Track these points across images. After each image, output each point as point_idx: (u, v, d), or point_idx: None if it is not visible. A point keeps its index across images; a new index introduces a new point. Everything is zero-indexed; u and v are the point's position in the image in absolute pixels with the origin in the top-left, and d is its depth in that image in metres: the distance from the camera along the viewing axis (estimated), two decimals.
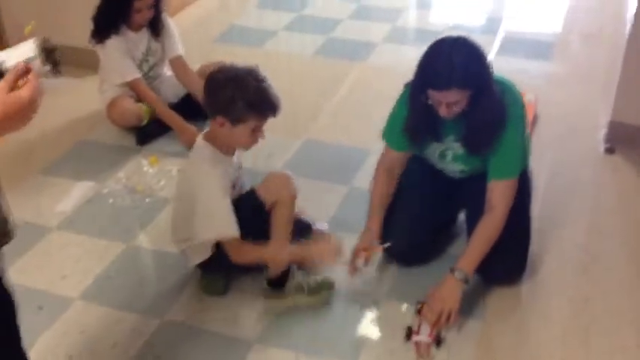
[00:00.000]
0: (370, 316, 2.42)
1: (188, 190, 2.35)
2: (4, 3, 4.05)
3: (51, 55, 1.52)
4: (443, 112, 2.24)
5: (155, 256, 2.76)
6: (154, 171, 3.19)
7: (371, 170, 2.64)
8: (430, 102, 2.26)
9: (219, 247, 2.37)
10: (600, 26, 4.69)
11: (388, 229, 2.53)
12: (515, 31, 4.71)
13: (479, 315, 2.42)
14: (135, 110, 3.33)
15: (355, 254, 2.43)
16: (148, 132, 3.41)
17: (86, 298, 2.52)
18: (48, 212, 2.96)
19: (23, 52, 1.57)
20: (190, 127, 3.32)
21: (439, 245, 2.69)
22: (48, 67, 1.49)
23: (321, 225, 2.73)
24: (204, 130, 2.42)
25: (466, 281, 2.31)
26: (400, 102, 2.48)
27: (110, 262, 2.68)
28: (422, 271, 2.61)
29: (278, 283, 2.42)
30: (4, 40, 4.05)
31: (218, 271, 2.50)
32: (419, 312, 2.34)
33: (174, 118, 3.36)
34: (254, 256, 2.37)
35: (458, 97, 2.20)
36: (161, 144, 3.41)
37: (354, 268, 2.43)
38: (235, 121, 2.22)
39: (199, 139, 2.39)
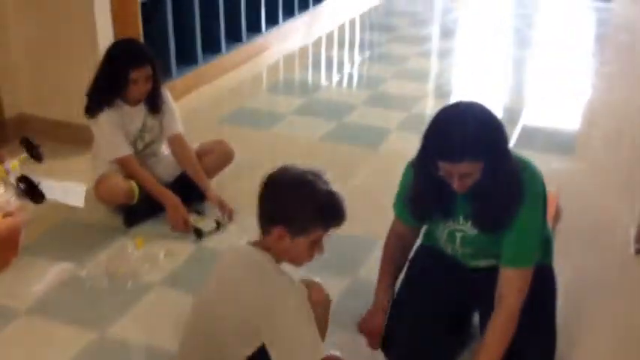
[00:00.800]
0: None
1: (234, 304, 1.88)
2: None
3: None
4: (455, 185, 2.01)
5: (128, 349, 2.46)
6: (139, 254, 2.93)
7: (379, 262, 2.38)
8: (440, 174, 2.02)
9: None
10: (623, 121, 4.50)
11: (391, 330, 2.24)
12: (535, 124, 4.53)
13: None
14: (124, 187, 3.10)
15: (368, 335, 2.19)
16: (136, 212, 3.17)
17: None
18: (19, 294, 2.69)
19: None
20: (182, 208, 3.12)
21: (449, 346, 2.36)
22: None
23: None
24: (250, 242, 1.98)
25: None
26: (407, 173, 2.27)
27: (75, 354, 2.39)
28: None
29: None
30: (6, 128, 3.92)
31: None
32: None
33: (166, 194, 3.15)
34: None
35: (471, 169, 1.97)
36: (150, 226, 3.16)
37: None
38: (298, 232, 1.86)
39: (245, 246, 1.95)
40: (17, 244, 1.25)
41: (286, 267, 1.95)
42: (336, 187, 1.91)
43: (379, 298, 2.30)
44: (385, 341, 2.26)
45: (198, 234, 3.07)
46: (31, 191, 1.41)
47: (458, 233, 2.23)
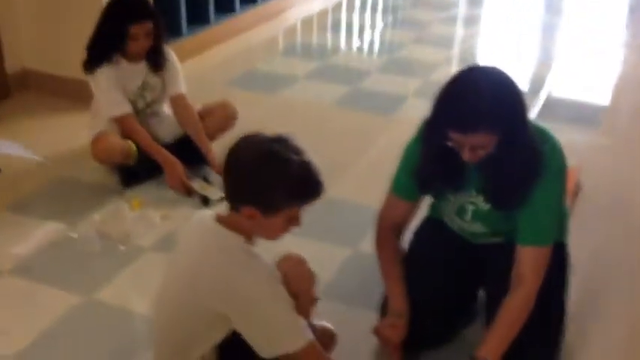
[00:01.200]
0: None
1: (203, 291, 1.70)
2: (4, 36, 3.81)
3: None
4: (466, 156, 1.84)
5: (114, 314, 2.34)
6: (134, 216, 2.81)
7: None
8: (450, 144, 1.85)
9: None
10: None
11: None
12: (560, 95, 4.34)
13: None
14: (122, 147, 2.98)
15: (389, 346, 2.02)
16: (135, 173, 3.05)
17: (21, 359, 2.12)
18: (3, 253, 2.58)
19: None
20: (179, 166, 2.99)
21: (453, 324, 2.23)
22: None
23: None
24: (213, 212, 1.79)
25: None
26: (415, 142, 2.08)
27: (60, 317, 2.29)
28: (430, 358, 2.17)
29: None
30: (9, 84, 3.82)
31: None
32: None
33: (163, 153, 3.02)
34: None
35: (485, 140, 1.80)
36: (148, 188, 3.04)
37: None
38: (270, 211, 1.66)
39: (209, 221, 1.75)
40: None
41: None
42: (309, 154, 1.69)
43: (397, 307, 2.08)
44: None
45: (205, 202, 2.94)
46: None
47: (469, 206, 2.07)
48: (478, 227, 2.11)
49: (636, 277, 2.58)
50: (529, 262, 1.94)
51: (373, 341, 2.23)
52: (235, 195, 1.69)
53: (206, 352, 1.78)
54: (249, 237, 1.74)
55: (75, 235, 2.69)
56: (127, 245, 2.66)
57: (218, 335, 1.75)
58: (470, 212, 2.08)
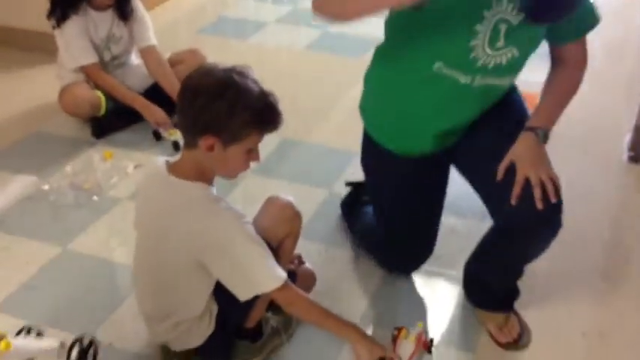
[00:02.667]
0: (338, 345, 1.98)
1: (175, 247, 1.69)
2: None
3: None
4: None
5: (91, 263, 2.34)
6: (107, 167, 2.79)
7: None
8: None
9: (221, 316, 1.82)
10: (629, 31, 4.26)
11: (379, 248, 2.18)
12: None
13: (469, 346, 2.00)
14: (90, 97, 2.94)
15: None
16: (106, 123, 3.01)
17: (2, 311, 2.11)
18: None
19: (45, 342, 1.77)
20: (153, 105, 2.99)
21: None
22: None
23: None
24: (163, 161, 1.75)
25: (546, 140, 1.83)
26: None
27: (39, 269, 2.28)
28: (397, 293, 2.21)
29: (254, 333, 1.93)
30: None
31: (218, 352, 1.89)
32: (394, 340, 1.91)
33: (135, 97, 3.00)
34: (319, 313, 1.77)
35: None
36: (120, 138, 3.01)
37: None
38: (230, 140, 1.62)
39: (163, 174, 1.70)
40: None
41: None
42: (266, 86, 1.66)
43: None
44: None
45: (176, 146, 2.92)
46: None
47: (502, 25, 1.73)
48: (509, 55, 1.79)
49: (611, 205, 2.62)
50: (579, 50, 1.88)
51: (352, 279, 2.26)
52: (194, 126, 1.63)
53: (198, 308, 1.78)
54: (208, 181, 1.71)
55: (47, 188, 2.67)
56: (100, 196, 2.64)
57: (203, 287, 1.75)
58: (503, 33, 1.74)
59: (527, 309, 2.11)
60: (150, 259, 1.77)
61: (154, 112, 2.97)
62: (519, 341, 2.01)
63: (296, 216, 1.96)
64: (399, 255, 2.20)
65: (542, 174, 1.73)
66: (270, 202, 1.97)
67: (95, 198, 2.62)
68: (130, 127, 3.03)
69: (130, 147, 2.95)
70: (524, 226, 1.79)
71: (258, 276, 1.67)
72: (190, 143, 1.66)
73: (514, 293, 2.07)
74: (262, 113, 1.63)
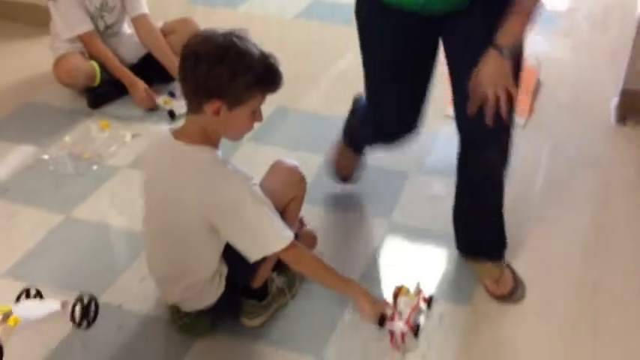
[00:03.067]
0: (339, 302, 2.05)
1: (185, 212, 1.74)
2: None
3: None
4: None
5: (95, 230, 2.39)
6: (105, 136, 2.82)
7: None
8: None
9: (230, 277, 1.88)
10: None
11: (366, 121, 2.22)
12: None
13: (466, 300, 2.08)
14: (85, 68, 2.96)
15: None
16: (101, 94, 3.04)
17: (12, 276, 2.16)
18: None
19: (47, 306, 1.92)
20: (140, 82, 3.01)
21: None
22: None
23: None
24: (169, 129, 1.80)
25: (511, 57, 1.87)
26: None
27: (44, 236, 2.33)
28: (395, 253, 2.28)
29: (260, 293, 1.98)
30: None
31: (227, 311, 1.97)
32: (395, 297, 1.98)
33: (124, 73, 3.02)
34: (325, 272, 1.86)
35: None
36: (116, 108, 3.05)
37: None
38: (235, 103, 1.66)
39: (169, 141, 1.75)
40: None
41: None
42: (267, 47, 1.70)
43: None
44: None
45: (171, 115, 2.95)
46: None
47: None
48: None
49: (597, 169, 2.69)
50: None
51: (351, 241, 2.32)
52: (198, 91, 1.66)
53: (209, 270, 1.83)
54: (214, 144, 1.76)
55: (47, 157, 2.70)
56: (99, 165, 2.68)
57: (213, 250, 1.81)
58: None
59: (520, 263, 2.19)
60: (161, 223, 1.82)
61: (136, 91, 3.00)
62: (513, 294, 2.09)
63: (301, 180, 2.01)
64: (384, 123, 2.19)
65: (500, 89, 1.83)
66: (277, 166, 2.02)
67: (95, 167, 2.66)
68: (126, 96, 3.05)
69: (126, 117, 2.98)
70: (476, 141, 1.95)
71: (268, 237, 1.73)
72: (195, 109, 1.70)
73: (500, 240, 2.15)
74: (264, 75, 1.67)
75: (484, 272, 2.13)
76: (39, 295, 2.04)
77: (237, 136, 1.80)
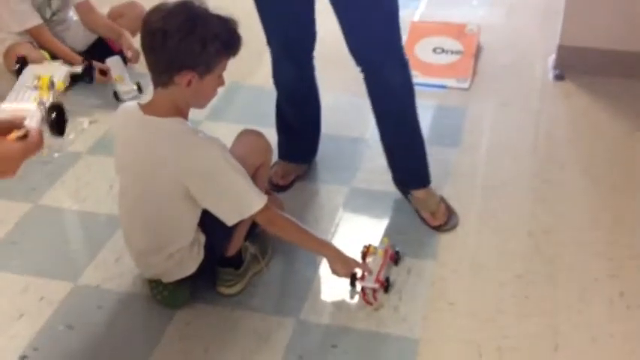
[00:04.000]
0: (312, 264, 2.15)
1: (162, 182, 1.80)
2: None
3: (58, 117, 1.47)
4: None
5: (66, 215, 2.43)
6: None
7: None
8: None
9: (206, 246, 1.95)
10: None
11: None
12: None
13: (430, 254, 2.20)
14: (35, 57, 2.95)
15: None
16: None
17: None
18: None
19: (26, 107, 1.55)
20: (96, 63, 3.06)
21: None
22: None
23: None
24: (134, 104, 1.85)
25: None
26: None
27: (14, 225, 2.35)
28: (360, 215, 2.39)
29: (235, 261, 2.05)
30: None
31: (206, 279, 2.03)
32: (364, 257, 2.09)
33: (75, 58, 3.04)
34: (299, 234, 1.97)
35: None
36: (70, 95, 3.03)
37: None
38: (205, 71, 1.73)
39: (139, 115, 1.80)
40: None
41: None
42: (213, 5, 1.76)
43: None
44: None
45: (117, 97, 2.99)
46: (57, 124, 1.36)
47: None
48: None
49: (542, 119, 2.85)
50: None
51: (316, 207, 2.42)
52: (169, 66, 1.72)
53: (188, 238, 1.90)
54: (184, 115, 1.83)
55: None
56: (60, 152, 2.70)
57: (191, 218, 1.88)
58: None
59: (471, 213, 2.34)
60: (138, 195, 1.88)
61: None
62: (448, 223, 2.29)
63: (267, 146, 2.10)
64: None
65: None
66: (244, 134, 2.10)
67: (57, 155, 2.68)
68: (80, 84, 3.06)
69: (82, 103, 2.99)
70: (371, 62, 2.10)
71: (244, 199, 1.81)
72: (165, 82, 1.75)
73: (423, 167, 2.31)
74: (229, 39, 1.75)
75: (421, 204, 2.30)
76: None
77: (206, 103, 1.88)
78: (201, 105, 1.88)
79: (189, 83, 1.73)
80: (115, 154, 1.94)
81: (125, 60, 3.09)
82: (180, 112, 1.81)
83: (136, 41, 3.14)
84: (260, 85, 3.12)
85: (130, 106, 1.88)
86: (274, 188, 2.40)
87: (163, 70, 1.75)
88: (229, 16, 1.77)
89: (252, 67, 3.23)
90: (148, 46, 1.74)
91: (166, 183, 1.80)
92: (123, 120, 1.93)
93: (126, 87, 3.00)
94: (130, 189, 1.91)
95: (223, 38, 1.73)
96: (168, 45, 1.69)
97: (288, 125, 2.49)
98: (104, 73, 3.02)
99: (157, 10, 1.74)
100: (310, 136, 2.55)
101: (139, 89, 3.01)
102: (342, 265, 1.98)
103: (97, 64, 3.02)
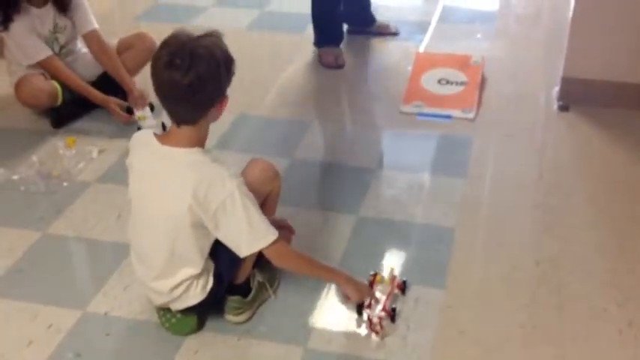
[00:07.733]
0: (319, 291, 2.15)
1: (177, 211, 1.81)
2: None
3: None
4: None
5: (74, 244, 2.45)
6: (72, 153, 2.86)
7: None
8: None
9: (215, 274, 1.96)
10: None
11: None
12: (455, 4, 4.48)
13: (438, 283, 2.20)
14: (47, 88, 3.00)
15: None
16: (64, 113, 3.08)
17: None
18: None
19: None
20: (112, 99, 3.08)
21: None
22: None
23: None
24: (150, 134, 1.89)
25: None
26: None
27: (23, 253, 2.36)
28: (368, 244, 2.39)
29: (243, 289, 2.07)
30: None
31: (215, 307, 2.04)
32: (371, 284, 2.10)
33: (93, 93, 3.07)
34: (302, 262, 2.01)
35: None
36: (80, 125, 3.10)
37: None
38: (224, 96, 1.83)
39: (157, 146, 1.84)
40: None
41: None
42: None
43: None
44: None
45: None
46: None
47: None
48: None
49: (547, 149, 2.88)
50: None
51: (324, 236, 2.43)
52: (204, 107, 1.79)
53: (198, 266, 1.91)
54: (203, 145, 1.86)
55: (16, 178, 2.73)
56: (70, 181, 2.72)
57: (203, 247, 1.89)
58: None
59: (478, 241, 2.35)
60: (151, 224, 1.90)
61: (110, 110, 3.07)
62: None
63: (276, 175, 2.12)
64: None
65: None
66: (253, 163, 2.12)
67: (65, 184, 2.70)
68: (88, 114, 3.11)
69: (91, 133, 3.03)
70: None
71: (258, 232, 1.83)
72: (194, 121, 1.79)
73: None
74: (232, 66, 1.82)
75: None
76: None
77: (217, 120, 1.89)
78: (215, 121, 1.89)
79: (223, 107, 1.82)
80: (130, 182, 1.96)
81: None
82: (202, 142, 1.85)
83: (145, 70, 3.20)
84: (266, 116, 3.17)
85: (145, 135, 1.91)
86: (338, 68, 3.36)
87: (196, 114, 1.79)
88: (211, 30, 1.83)
89: (258, 98, 3.27)
90: (171, 98, 1.78)
91: (181, 213, 1.81)
92: (139, 149, 1.94)
93: (149, 124, 3.01)
94: (143, 217, 1.93)
95: (229, 64, 1.80)
96: (197, 96, 1.74)
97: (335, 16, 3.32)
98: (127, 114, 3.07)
99: (162, 59, 1.73)
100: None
101: (164, 128, 3.02)
102: (354, 290, 2.01)
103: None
